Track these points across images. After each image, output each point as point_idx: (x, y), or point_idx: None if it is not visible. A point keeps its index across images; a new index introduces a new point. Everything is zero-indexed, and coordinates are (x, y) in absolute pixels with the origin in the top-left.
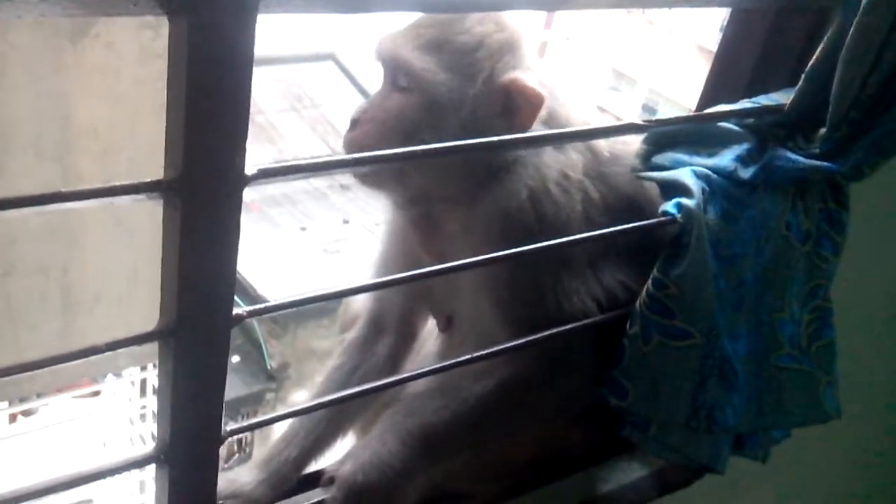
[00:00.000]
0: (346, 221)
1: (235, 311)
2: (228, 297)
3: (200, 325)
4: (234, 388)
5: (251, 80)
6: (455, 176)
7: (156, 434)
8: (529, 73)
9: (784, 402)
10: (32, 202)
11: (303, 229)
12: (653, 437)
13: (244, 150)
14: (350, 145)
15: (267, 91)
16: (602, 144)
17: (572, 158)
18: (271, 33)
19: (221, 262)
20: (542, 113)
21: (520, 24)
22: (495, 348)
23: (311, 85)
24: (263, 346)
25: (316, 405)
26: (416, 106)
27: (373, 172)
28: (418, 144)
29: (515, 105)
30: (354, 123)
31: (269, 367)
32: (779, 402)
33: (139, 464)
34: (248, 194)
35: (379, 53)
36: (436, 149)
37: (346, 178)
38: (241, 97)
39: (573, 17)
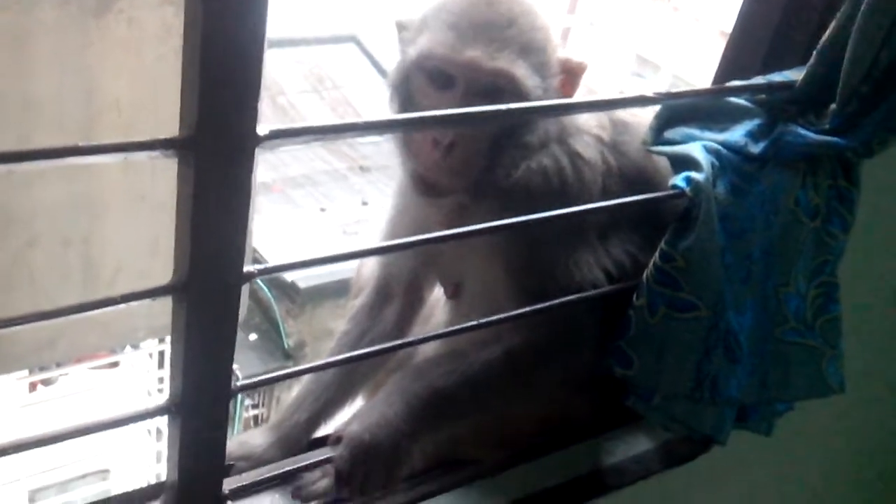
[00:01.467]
0: (364, 203)
1: (246, 268)
2: (239, 253)
3: (212, 280)
4: (251, 366)
5: (263, 42)
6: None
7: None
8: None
9: (788, 375)
10: (53, 154)
11: (322, 210)
12: (656, 407)
13: (256, 110)
14: (441, 170)
15: (288, 72)
16: (620, 113)
17: (598, 131)
18: (293, 15)
19: (233, 219)
20: None
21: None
22: (503, 315)
23: (332, 67)
24: (281, 325)
25: (324, 364)
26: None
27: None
28: (506, 147)
29: (567, 81)
30: (442, 145)
31: (286, 346)
32: (783, 376)
33: (152, 414)
34: (270, 175)
35: (460, 66)
36: (447, 115)
37: (365, 160)
38: (254, 59)
39: (597, 1)
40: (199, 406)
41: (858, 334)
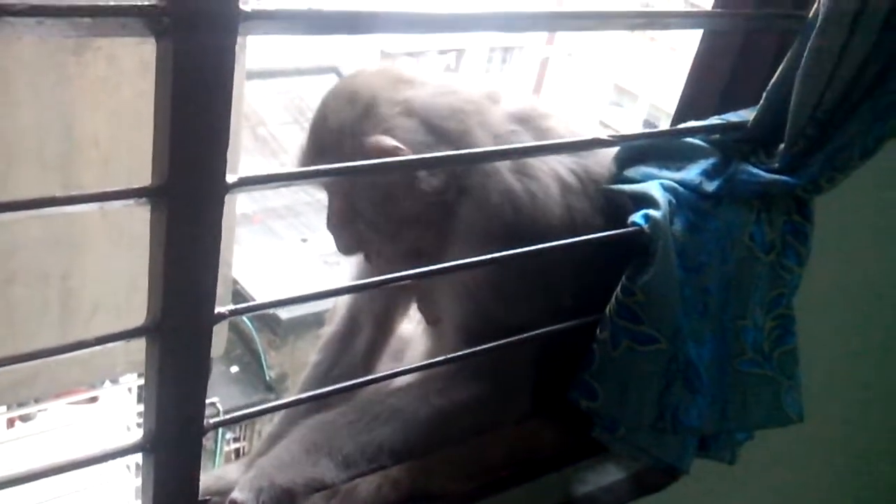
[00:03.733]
0: None
1: (217, 309)
2: (211, 296)
3: (184, 322)
4: (232, 398)
5: (231, 96)
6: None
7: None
8: (390, 127)
9: (747, 404)
10: (28, 206)
11: (304, 241)
12: (621, 438)
13: (225, 159)
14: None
15: (269, 104)
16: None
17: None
18: (273, 46)
19: (204, 263)
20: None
21: (379, 76)
22: (467, 351)
23: (313, 98)
24: (262, 357)
25: (295, 400)
26: (344, 208)
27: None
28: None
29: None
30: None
31: (267, 378)
32: (742, 405)
33: (127, 451)
34: (250, 206)
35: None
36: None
37: None
38: (222, 111)
39: (575, 33)
40: (173, 443)
41: (817, 364)
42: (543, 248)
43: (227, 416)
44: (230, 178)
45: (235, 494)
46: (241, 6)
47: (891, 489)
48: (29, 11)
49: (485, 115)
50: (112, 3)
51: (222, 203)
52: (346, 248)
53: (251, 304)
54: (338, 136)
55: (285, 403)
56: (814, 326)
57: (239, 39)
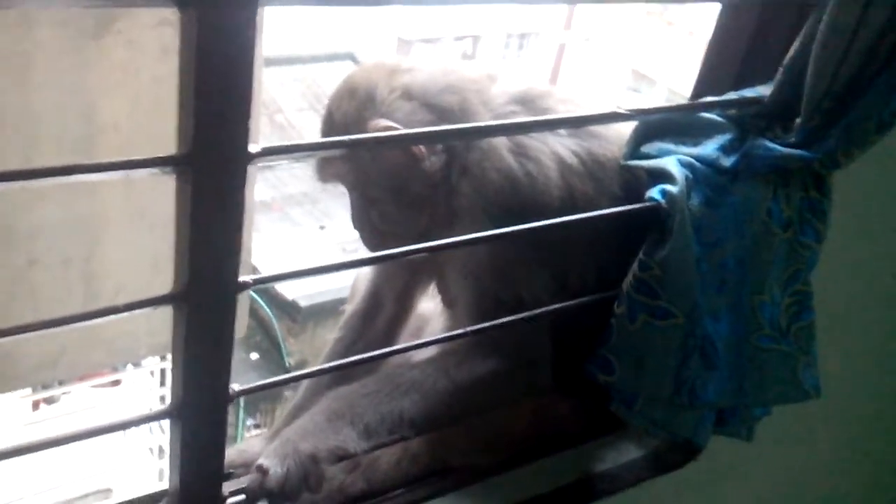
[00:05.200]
0: None
1: (242, 278)
2: (234, 264)
3: (210, 290)
4: (252, 384)
5: (253, 65)
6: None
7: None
8: (389, 111)
9: (764, 380)
10: (56, 172)
11: (322, 228)
12: (638, 412)
13: (248, 129)
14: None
15: (286, 90)
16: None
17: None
18: (290, 33)
19: (228, 232)
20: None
21: (378, 69)
22: (481, 325)
23: (329, 84)
24: (282, 344)
25: (318, 370)
26: (360, 200)
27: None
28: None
29: None
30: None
31: (287, 365)
32: (759, 380)
33: (154, 418)
34: (269, 193)
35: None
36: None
37: None
38: (245, 81)
39: (592, 17)
40: (199, 410)
41: (833, 341)
42: (550, 224)
43: (253, 385)
44: (252, 147)
45: (261, 461)
46: None
47: None
48: None
49: (485, 93)
50: None
51: (245, 172)
52: (370, 244)
53: (274, 274)
54: (343, 129)
55: (309, 373)
56: (830, 303)
57: (259, 12)
